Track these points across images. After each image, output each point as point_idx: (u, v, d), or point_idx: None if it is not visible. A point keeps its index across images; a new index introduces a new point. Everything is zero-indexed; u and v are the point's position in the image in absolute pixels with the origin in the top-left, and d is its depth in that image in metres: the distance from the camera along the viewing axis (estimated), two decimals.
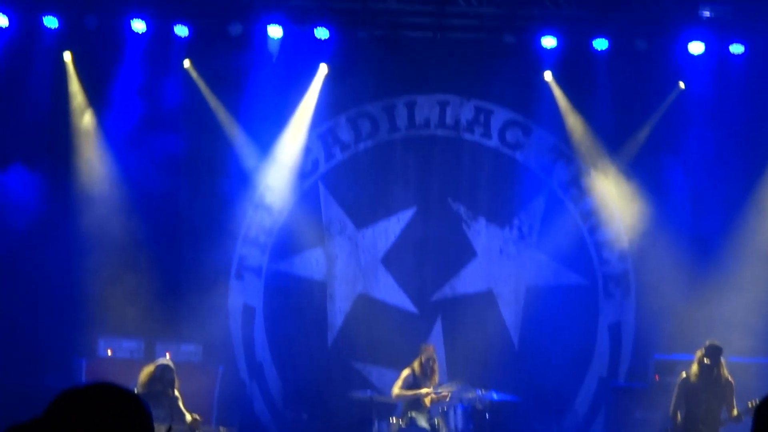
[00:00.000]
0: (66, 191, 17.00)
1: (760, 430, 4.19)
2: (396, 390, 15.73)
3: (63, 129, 17.13)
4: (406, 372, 15.85)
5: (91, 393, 3.47)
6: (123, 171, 17.14)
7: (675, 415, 14.23)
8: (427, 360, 15.82)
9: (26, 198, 16.60)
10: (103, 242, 16.76)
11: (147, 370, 14.41)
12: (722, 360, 14.25)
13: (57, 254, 16.53)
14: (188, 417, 14.03)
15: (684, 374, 14.39)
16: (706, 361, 14.18)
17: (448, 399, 15.59)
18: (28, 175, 16.68)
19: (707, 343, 14.32)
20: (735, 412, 14.00)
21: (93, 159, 17.16)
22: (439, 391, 15.61)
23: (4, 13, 16.77)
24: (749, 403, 13.50)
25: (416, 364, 15.82)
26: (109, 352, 16.08)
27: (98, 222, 16.81)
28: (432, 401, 15.64)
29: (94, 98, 17.26)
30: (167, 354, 15.66)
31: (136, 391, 11.62)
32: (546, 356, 17.50)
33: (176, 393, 14.25)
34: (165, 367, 14.33)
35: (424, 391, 15.55)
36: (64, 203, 16.92)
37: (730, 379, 14.25)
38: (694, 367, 14.30)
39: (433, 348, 16.21)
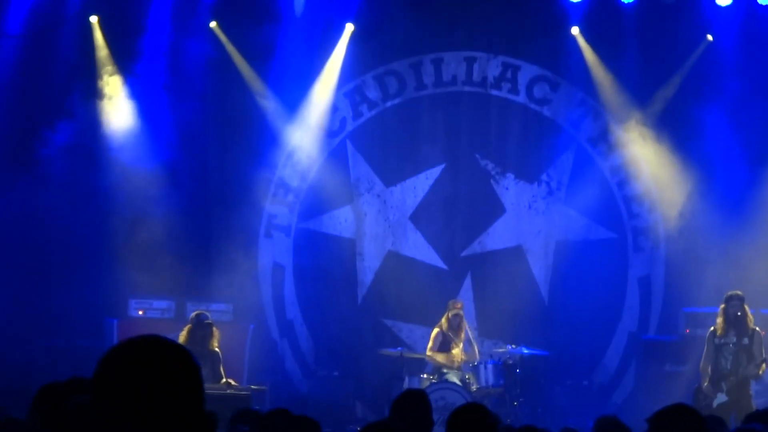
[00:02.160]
0: (93, 154, 16.96)
1: None
2: (429, 352, 15.80)
3: (89, 90, 17.05)
4: (435, 331, 15.89)
5: (141, 347, 3.31)
6: (150, 132, 17.09)
7: (705, 368, 14.09)
8: (455, 315, 15.85)
9: (54, 157, 16.58)
10: (133, 202, 16.76)
11: (185, 329, 14.58)
12: (747, 309, 14.07)
13: (87, 215, 16.55)
14: (223, 380, 14.21)
15: (712, 327, 14.28)
16: (729, 312, 14.05)
17: (478, 360, 15.68)
18: (54, 135, 16.64)
19: (728, 293, 14.19)
20: (763, 367, 13.91)
21: (120, 120, 17.10)
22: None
23: None
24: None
25: (444, 321, 15.85)
26: (140, 313, 16.16)
27: (127, 182, 16.81)
28: (463, 361, 15.69)
29: (120, 61, 17.20)
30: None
31: None
32: (576, 311, 17.48)
33: (217, 348, 14.39)
34: (200, 314, 14.54)
35: (456, 357, 15.57)
36: (92, 166, 16.88)
37: (758, 329, 14.09)
38: (719, 320, 14.18)
39: (462, 304, 16.24)
